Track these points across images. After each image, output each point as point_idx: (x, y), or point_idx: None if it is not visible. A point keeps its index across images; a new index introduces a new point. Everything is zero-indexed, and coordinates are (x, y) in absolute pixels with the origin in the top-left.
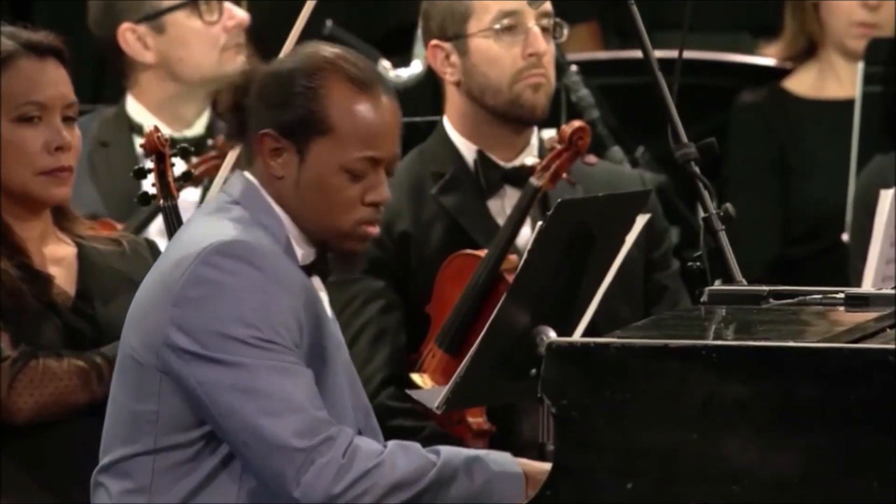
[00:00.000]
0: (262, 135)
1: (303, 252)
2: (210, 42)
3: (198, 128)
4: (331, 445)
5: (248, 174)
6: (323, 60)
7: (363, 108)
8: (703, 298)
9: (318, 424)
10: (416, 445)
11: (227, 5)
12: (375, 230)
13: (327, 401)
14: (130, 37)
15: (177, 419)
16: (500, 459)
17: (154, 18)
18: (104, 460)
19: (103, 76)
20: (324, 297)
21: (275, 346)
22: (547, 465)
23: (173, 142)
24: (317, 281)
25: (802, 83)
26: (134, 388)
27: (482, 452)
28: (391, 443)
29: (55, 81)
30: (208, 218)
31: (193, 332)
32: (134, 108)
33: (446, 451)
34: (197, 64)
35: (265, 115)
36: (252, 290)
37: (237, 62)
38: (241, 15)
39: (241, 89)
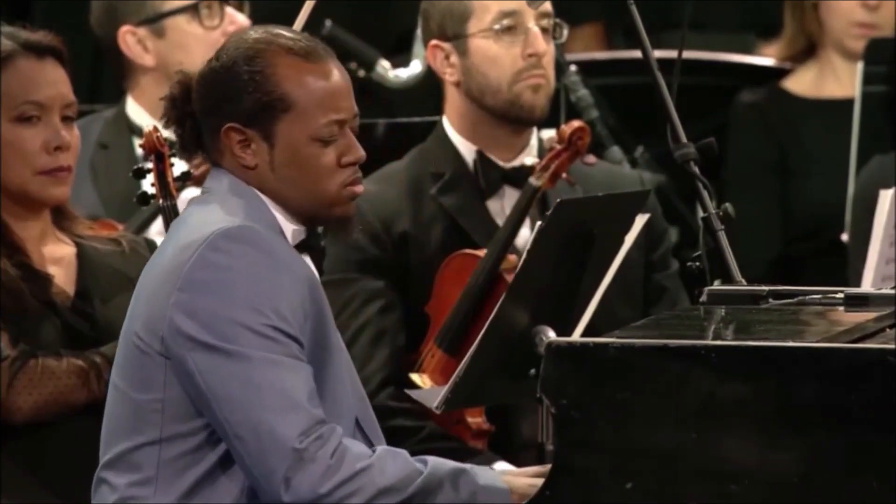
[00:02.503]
0: (226, 130)
1: (293, 230)
2: (210, 47)
3: None
4: (320, 445)
5: (225, 171)
6: (258, 42)
7: (313, 76)
8: (703, 298)
9: (313, 423)
10: (405, 453)
11: (229, 10)
12: (360, 189)
13: (328, 390)
14: (130, 39)
15: (182, 408)
16: (486, 474)
17: (154, 22)
18: (107, 456)
19: (100, 76)
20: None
21: (281, 335)
22: (533, 480)
23: (172, 143)
24: (307, 259)
25: (802, 83)
26: (137, 378)
27: (468, 466)
28: (380, 448)
29: (54, 81)
30: (208, 207)
31: (200, 317)
32: (134, 110)
33: (433, 461)
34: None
35: (221, 113)
36: (261, 275)
37: None
38: (243, 20)
39: (181, 99)
